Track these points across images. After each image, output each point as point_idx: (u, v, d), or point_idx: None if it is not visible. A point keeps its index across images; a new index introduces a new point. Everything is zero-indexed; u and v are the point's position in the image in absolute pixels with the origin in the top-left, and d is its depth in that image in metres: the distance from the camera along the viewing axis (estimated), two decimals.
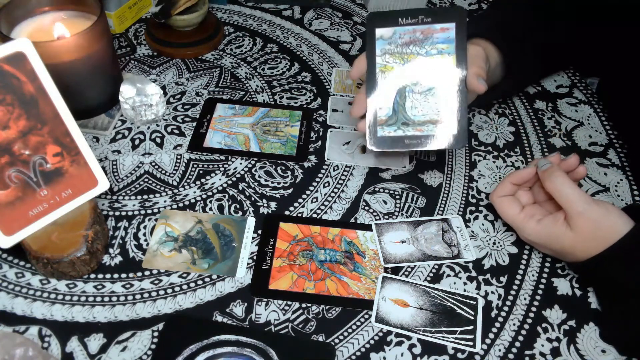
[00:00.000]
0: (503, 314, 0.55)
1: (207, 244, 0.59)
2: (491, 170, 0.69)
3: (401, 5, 0.93)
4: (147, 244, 0.59)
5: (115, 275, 0.56)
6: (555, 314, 0.55)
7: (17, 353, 0.46)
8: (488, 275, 0.58)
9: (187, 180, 0.65)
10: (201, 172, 0.67)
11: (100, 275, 0.56)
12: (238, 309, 0.54)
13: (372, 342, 0.53)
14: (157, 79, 0.78)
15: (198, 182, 0.65)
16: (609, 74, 0.81)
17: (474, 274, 0.58)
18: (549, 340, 0.53)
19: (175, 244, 0.59)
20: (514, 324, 0.54)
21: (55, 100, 0.53)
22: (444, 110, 0.60)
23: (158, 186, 0.65)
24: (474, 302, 0.55)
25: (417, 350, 0.52)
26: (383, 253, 0.59)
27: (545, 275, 0.58)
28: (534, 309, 0.56)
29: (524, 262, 0.60)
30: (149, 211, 0.62)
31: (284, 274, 0.57)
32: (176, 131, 0.71)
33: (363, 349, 0.52)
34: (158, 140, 0.70)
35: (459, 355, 0.52)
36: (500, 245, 0.61)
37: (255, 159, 0.68)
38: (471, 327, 0.54)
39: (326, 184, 0.66)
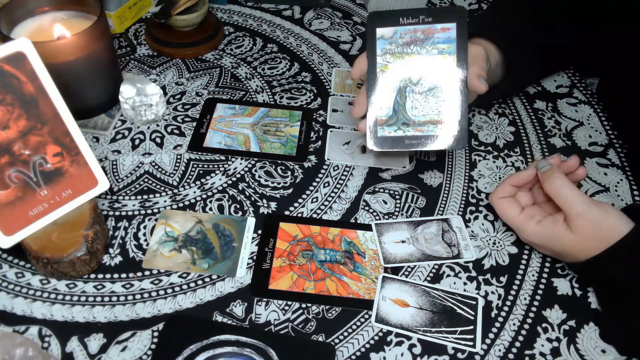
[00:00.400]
0: (503, 314, 0.55)
1: (207, 244, 0.59)
2: (491, 170, 0.69)
3: (401, 4, 0.93)
4: (147, 244, 0.59)
5: (115, 275, 0.56)
6: (555, 314, 0.55)
7: (17, 353, 0.46)
8: (488, 275, 0.58)
9: (187, 180, 0.65)
10: (201, 172, 0.67)
11: (100, 275, 0.56)
12: (238, 309, 0.54)
13: (372, 342, 0.53)
14: (157, 79, 0.78)
15: (198, 182, 0.65)
16: (609, 74, 0.81)
17: (474, 274, 0.58)
18: (549, 340, 0.53)
19: (175, 244, 0.59)
20: (514, 324, 0.54)
21: (55, 100, 0.53)
22: (445, 111, 0.60)
23: (158, 186, 0.65)
24: (474, 302, 0.55)
25: (417, 350, 0.52)
26: (383, 253, 0.59)
27: (545, 275, 0.58)
28: (534, 309, 0.56)
29: (524, 262, 0.60)
30: (149, 211, 0.62)
31: (284, 274, 0.57)
32: (176, 131, 0.71)
33: (363, 349, 0.52)
34: (158, 140, 0.70)
35: (459, 355, 0.52)
36: (500, 245, 0.61)
37: (255, 159, 0.68)
38: (471, 327, 0.54)
39: (326, 184, 0.66)
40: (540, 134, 0.74)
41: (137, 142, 0.69)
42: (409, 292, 0.56)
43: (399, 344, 0.52)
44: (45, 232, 0.54)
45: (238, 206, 0.63)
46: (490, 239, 0.61)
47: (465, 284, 0.57)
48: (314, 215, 0.63)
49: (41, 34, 0.66)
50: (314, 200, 0.64)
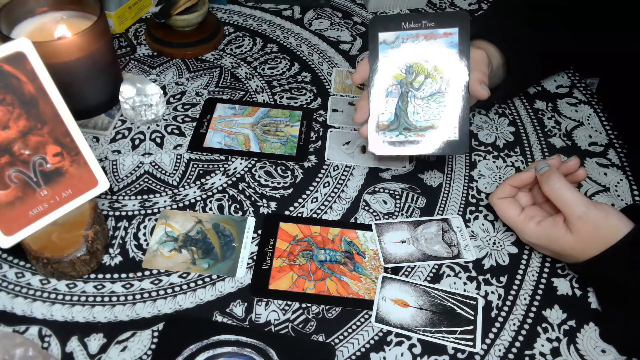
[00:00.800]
0: (503, 314, 0.55)
1: (207, 244, 0.59)
2: (491, 170, 0.69)
3: (401, 5, 0.93)
4: (147, 244, 0.59)
5: (115, 275, 0.56)
6: (555, 314, 0.55)
7: (17, 353, 0.46)
8: (488, 275, 0.58)
9: (187, 180, 0.65)
10: (201, 172, 0.67)
11: (100, 275, 0.56)
12: (238, 309, 0.54)
13: (372, 342, 0.53)
14: (157, 79, 0.78)
15: (198, 182, 0.65)
16: (609, 74, 0.81)
17: (474, 274, 0.58)
18: (549, 340, 0.53)
19: (175, 244, 0.59)
20: (514, 324, 0.54)
21: (55, 100, 0.53)
22: (446, 116, 0.60)
23: (158, 186, 0.65)
24: (474, 302, 0.55)
25: (417, 350, 0.52)
26: (383, 253, 0.59)
27: (545, 275, 0.58)
28: (534, 309, 0.56)
29: (524, 262, 0.60)
30: (149, 211, 0.62)
31: (284, 274, 0.57)
32: (176, 131, 0.71)
33: (363, 349, 0.52)
34: (158, 140, 0.70)
35: (459, 355, 0.52)
36: (500, 245, 0.61)
37: (255, 159, 0.68)
38: (471, 327, 0.54)
39: (326, 184, 0.66)
40: (540, 134, 0.74)
41: (137, 142, 0.69)
42: (409, 292, 0.56)
43: (399, 344, 0.52)
44: (45, 232, 0.54)
45: (238, 206, 0.63)
46: (490, 239, 0.61)
47: (465, 284, 0.57)
48: (314, 215, 0.63)
49: (41, 34, 0.66)
50: (314, 200, 0.64)
